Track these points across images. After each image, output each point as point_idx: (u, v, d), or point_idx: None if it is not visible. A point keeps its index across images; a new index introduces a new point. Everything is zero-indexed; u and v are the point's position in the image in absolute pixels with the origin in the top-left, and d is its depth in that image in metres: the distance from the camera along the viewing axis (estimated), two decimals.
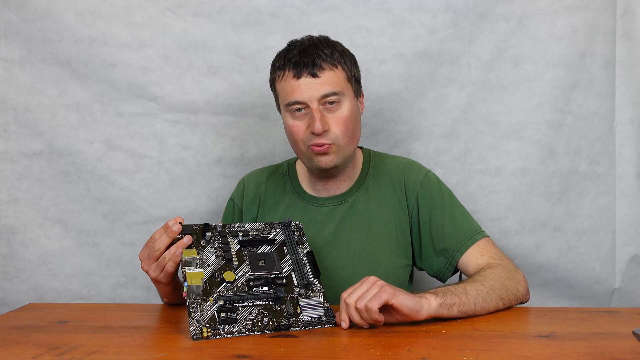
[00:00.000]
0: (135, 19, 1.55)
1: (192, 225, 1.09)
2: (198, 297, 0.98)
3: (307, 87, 1.17)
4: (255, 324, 0.97)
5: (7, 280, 1.57)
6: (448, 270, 1.25)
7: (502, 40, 1.57)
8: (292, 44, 1.23)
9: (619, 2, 1.57)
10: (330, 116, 1.19)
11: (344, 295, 0.99)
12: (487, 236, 1.26)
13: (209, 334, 0.94)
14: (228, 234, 1.09)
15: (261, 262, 1.06)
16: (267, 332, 0.97)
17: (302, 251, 1.10)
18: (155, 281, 1.11)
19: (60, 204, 1.57)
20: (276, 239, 1.11)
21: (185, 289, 0.99)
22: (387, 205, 1.30)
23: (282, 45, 1.55)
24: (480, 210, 1.59)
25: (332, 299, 1.21)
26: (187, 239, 1.05)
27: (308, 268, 1.08)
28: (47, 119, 1.55)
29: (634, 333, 0.82)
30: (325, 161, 1.21)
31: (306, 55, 1.18)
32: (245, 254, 1.07)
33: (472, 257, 1.22)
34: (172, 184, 1.59)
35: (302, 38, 1.24)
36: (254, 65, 1.57)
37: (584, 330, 1.01)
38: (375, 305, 0.95)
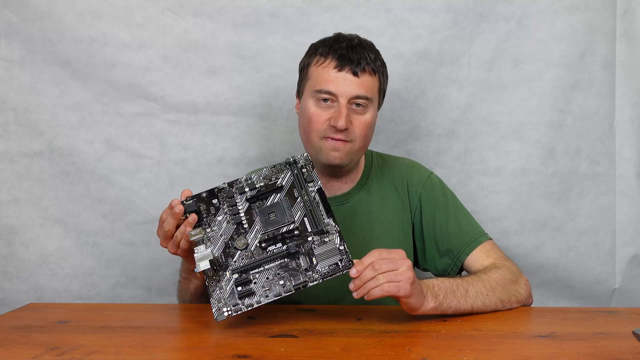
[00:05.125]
0: (135, 19, 1.55)
1: (199, 194, 1.07)
2: (215, 274, 0.99)
3: (345, 83, 1.17)
4: (273, 288, 0.97)
5: (7, 280, 1.57)
6: (453, 271, 1.25)
7: (502, 40, 1.57)
8: (341, 36, 1.23)
9: (619, 2, 1.58)
10: (354, 117, 1.19)
11: (376, 254, 0.97)
12: (491, 239, 1.26)
13: (230, 312, 0.95)
14: (235, 193, 1.07)
15: (272, 216, 1.04)
16: (285, 294, 0.97)
17: (313, 190, 1.06)
18: (177, 255, 1.10)
19: (60, 204, 1.57)
20: (283, 185, 1.07)
21: (197, 272, 1.00)
22: (389, 207, 1.29)
23: (283, 45, 1.57)
24: (480, 210, 1.59)
25: (334, 299, 1.21)
26: (192, 218, 1.03)
27: (321, 207, 1.04)
28: (47, 119, 1.55)
29: (634, 333, 0.82)
30: (335, 156, 1.20)
31: (354, 52, 1.18)
32: (255, 211, 1.05)
33: (478, 258, 1.22)
34: (172, 184, 1.59)
35: (350, 34, 1.24)
36: (254, 65, 1.57)
37: (584, 330, 1.01)
38: (384, 294, 0.96)
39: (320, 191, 1.06)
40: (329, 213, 1.04)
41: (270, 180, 1.08)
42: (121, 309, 1.22)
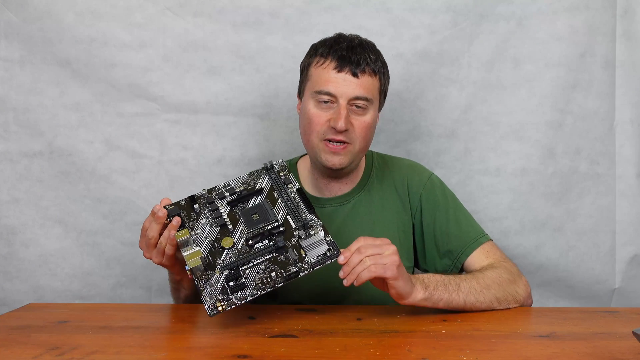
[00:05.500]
0: (135, 19, 1.54)
1: (178, 201, 1.09)
2: (204, 274, 0.99)
3: (345, 84, 1.17)
4: (265, 281, 0.97)
5: (7, 280, 1.57)
6: (453, 272, 1.25)
7: (502, 40, 1.57)
8: (341, 37, 1.22)
9: (619, 2, 1.58)
10: (354, 118, 1.19)
11: (361, 241, 1.00)
12: (491, 240, 1.26)
13: (224, 306, 0.95)
14: (216, 199, 1.09)
15: (255, 216, 1.05)
16: (278, 285, 0.97)
17: (292, 190, 1.09)
18: (162, 265, 1.10)
19: (60, 204, 1.57)
20: (263, 187, 1.10)
21: (188, 272, 1.00)
22: (389, 207, 1.29)
23: (283, 45, 1.57)
24: (480, 210, 1.59)
25: (334, 299, 1.21)
26: (176, 221, 1.04)
27: (302, 205, 1.06)
28: (47, 119, 1.55)
29: (634, 333, 0.82)
30: (334, 161, 1.20)
31: (354, 52, 1.18)
32: (237, 213, 1.07)
33: (478, 259, 1.22)
34: (172, 184, 1.59)
35: (351, 35, 1.23)
36: (254, 65, 1.57)
37: (584, 330, 1.01)
38: (372, 275, 0.98)
39: (299, 191, 1.09)
40: (311, 210, 1.06)
41: (249, 185, 1.10)
42: (121, 309, 1.21)
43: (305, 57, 1.25)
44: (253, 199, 1.08)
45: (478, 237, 1.24)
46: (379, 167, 1.34)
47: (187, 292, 1.19)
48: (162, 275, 1.58)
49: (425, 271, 1.32)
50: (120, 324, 1.05)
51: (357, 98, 1.18)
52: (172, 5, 1.55)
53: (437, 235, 1.26)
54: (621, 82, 1.59)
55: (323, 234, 1.02)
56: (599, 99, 1.59)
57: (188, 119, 1.58)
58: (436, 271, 1.28)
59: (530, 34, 1.57)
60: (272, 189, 1.10)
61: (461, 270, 1.25)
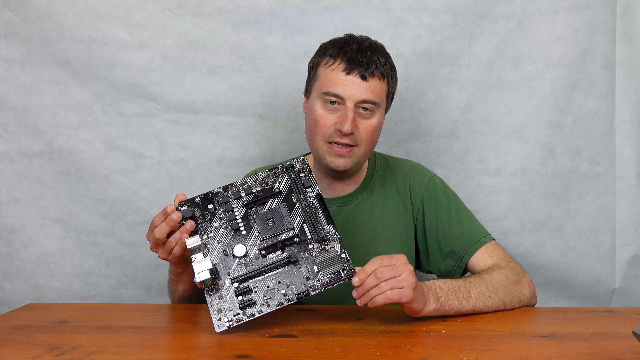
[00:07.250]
0: (135, 19, 1.55)
1: (193, 198, 1.05)
2: (214, 283, 0.98)
3: (353, 86, 1.16)
4: (274, 298, 0.96)
5: (7, 280, 1.57)
6: (456, 272, 1.25)
7: (502, 40, 1.57)
8: (351, 38, 1.21)
9: (619, 2, 1.58)
10: (360, 121, 1.18)
11: (377, 262, 0.97)
12: (494, 239, 1.26)
13: (232, 322, 0.95)
14: (231, 198, 1.05)
15: (270, 222, 1.01)
16: (287, 303, 0.96)
17: (311, 195, 1.04)
18: (167, 260, 1.09)
19: (60, 204, 1.57)
20: (281, 189, 1.05)
21: (198, 284, 0.98)
22: (391, 208, 1.29)
23: (283, 45, 1.57)
24: (480, 210, 1.59)
25: (335, 300, 1.21)
26: (190, 225, 1.01)
27: (320, 214, 1.02)
28: (47, 119, 1.55)
29: (634, 333, 0.82)
30: (338, 163, 1.20)
31: (363, 55, 1.17)
32: (252, 216, 1.02)
33: (481, 259, 1.22)
34: (172, 184, 1.59)
35: (361, 36, 1.23)
36: (254, 65, 1.57)
37: (584, 330, 1.01)
38: (388, 301, 0.95)
39: (319, 197, 1.04)
40: (329, 220, 1.01)
41: (267, 185, 1.06)
42: (121, 309, 1.22)
43: (314, 56, 1.24)
44: (270, 202, 1.04)
45: (481, 237, 1.24)
46: (381, 168, 1.34)
47: (186, 286, 1.18)
48: (163, 275, 1.58)
49: (428, 272, 1.32)
50: (120, 324, 1.05)
51: (365, 101, 1.17)
52: (172, 5, 1.55)
53: (439, 236, 1.26)
54: (621, 82, 1.60)
55: (339, 249, 0.99)
56: (599, 99, 1.59)
57: (188, 119, 1.58)
58: (439, 271, 1.28)
59: (530, 34, 1.57)
60: (290, 191, 1.05)
61: (465, 270, 1.25)
